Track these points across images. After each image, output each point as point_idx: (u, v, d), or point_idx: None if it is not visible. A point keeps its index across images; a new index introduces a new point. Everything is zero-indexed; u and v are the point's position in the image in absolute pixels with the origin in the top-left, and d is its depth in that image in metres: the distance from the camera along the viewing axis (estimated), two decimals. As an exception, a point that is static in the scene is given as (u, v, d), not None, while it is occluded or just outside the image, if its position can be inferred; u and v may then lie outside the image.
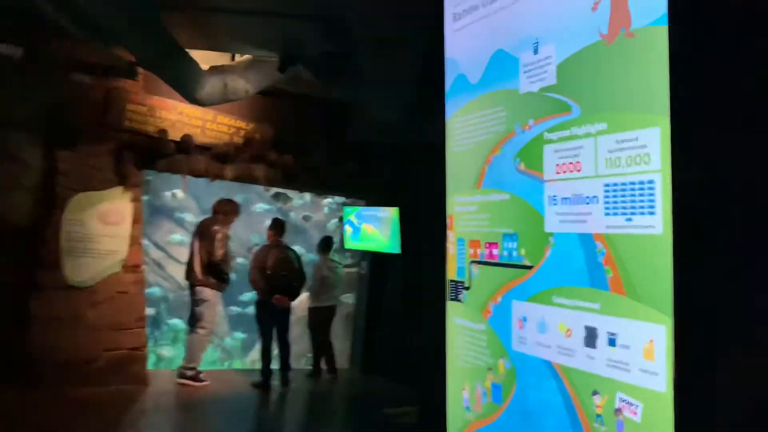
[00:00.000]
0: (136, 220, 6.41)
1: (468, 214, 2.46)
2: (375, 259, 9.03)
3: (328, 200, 12.04)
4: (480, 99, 2.38)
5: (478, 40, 2.41)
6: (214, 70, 6.08)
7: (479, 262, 2.38)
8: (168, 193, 11.70)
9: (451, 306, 2.56)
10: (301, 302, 8.32)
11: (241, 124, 7.43)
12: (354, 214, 8.60)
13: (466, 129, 2.47)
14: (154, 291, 11.24)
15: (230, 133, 7.32)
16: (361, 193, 9.16)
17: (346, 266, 10.10)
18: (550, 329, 2.01)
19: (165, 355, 10.84)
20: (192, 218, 11.37)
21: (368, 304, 9.31)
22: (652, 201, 1.67)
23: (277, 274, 7.23)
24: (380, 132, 7.73)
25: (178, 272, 9.32)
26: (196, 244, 6.81)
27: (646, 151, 1.69)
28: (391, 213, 7.85)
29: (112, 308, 6.05)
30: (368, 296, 9.38)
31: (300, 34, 5.71)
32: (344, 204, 9.93)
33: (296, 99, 7.72)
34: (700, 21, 1.56)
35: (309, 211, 12.24)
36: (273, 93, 7.33)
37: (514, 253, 2.18)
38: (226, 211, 7.14)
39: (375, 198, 8.75)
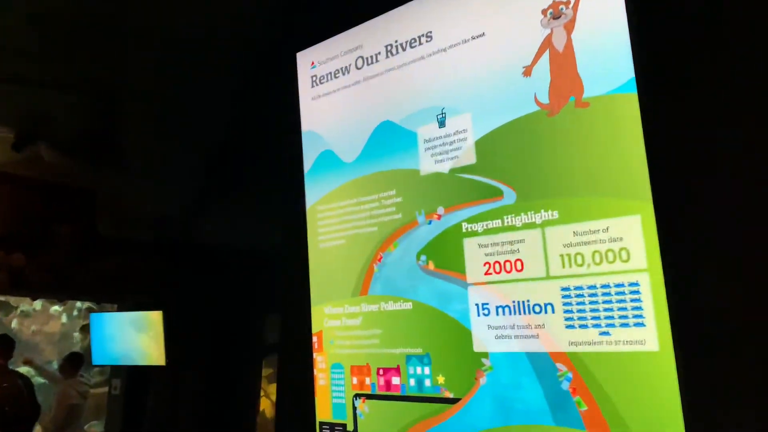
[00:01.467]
0: None
1: (346, 329, 1.86)
2: (132, 376, 7.54)
3: (56, 307, 9.95)
4: (359, 181, 1.87)
5: (350, 109, 1.93)
6: None
7: (370, 396, 1.77)
8: None
9: (326, 460, 1.87)
10: (33, 442, 6.40)
11: (-50, 214, 5.67)
12: (105, 321, 7.13)
13: (339, 219, 1.92)
14: None
15: (-69, 226, 5.50)
16: (114, 297, 7.71)
17: (93, 386, 8.29)
18: (495, 487, 1.49)
19: None
20: None
21: (123, 433, 7.64)
22: (638, 308, 1.32)
23: (-1, 410, 5.46)
24: (145, 226, 6.64)
25: None
26: None
27: (622, 244, 1.35)
28: (153, 318, 6.66)
29: None
30: (123, 423, 7.72)
31: (45, 105, 4.58)
32: (91, 310, 8.28)
33: (33, 185, 6.25)
34: (678, 84, 1.34)
35: (40, 321, 9.93)
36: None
37: (427, 382, 1.64)
38: None
39: (132, 302, 7.43)
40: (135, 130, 4.62)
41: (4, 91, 4.38)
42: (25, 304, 9.61)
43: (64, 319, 10.12)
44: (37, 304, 9.70)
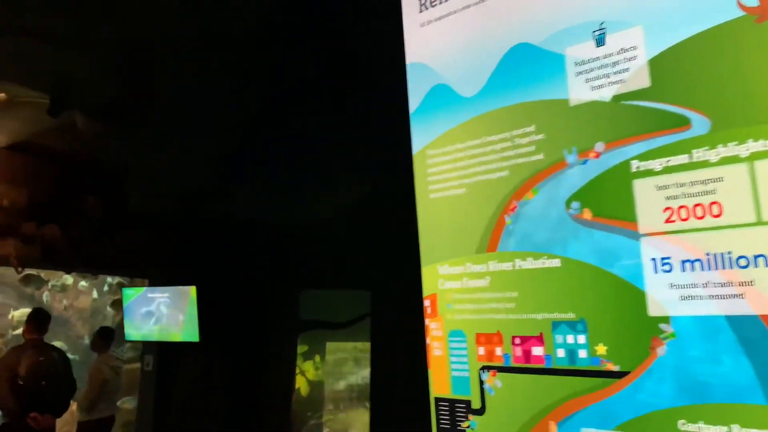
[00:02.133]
0: None
1: (469, 292, 1.59)
2: (164, 352, 7.42)
3: (83, 283, 9.83)
4: (483, 118, 1.59)
5: (472, 34, 1.64)
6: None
7: (502, 369, 1.51)
8: None
9: (447, 442, 1.61)
10: (73, 416, 6.32)
11: (-21, 185, 5.48)
12: (137, 296, 6.98)
13: (457, 164, 1.64)
14: None
15: (-40, 197, 5.33)
16: (145, 271, 7.56)
17: (126, 362, 8.19)
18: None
19: None
20: None
21: (156, 410, 7.55)
22: None
23: (35, 385, 5.35)
24: (181, 198, 6.41)
25: None
26: None
27: None
28: (187, 293, 6.50)
29: None
30: (156, 399, 7.62)
31: (80, 71, 4.30)
32: (122, 285, 8.16)
33: (66, 157, 6.03)
34: None
35: (71, 296, 9.84)
36: (29, 148, 5.58)
37: (582, 353, 1.37)
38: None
39: (165, 277, 7.26)
40: (184, 81, 4.22)
41: (38, 54, 4.11)
42: (56, 279, 9.52)
43: (94, 294, 10.03)
44: (68, 279, 9.60)
